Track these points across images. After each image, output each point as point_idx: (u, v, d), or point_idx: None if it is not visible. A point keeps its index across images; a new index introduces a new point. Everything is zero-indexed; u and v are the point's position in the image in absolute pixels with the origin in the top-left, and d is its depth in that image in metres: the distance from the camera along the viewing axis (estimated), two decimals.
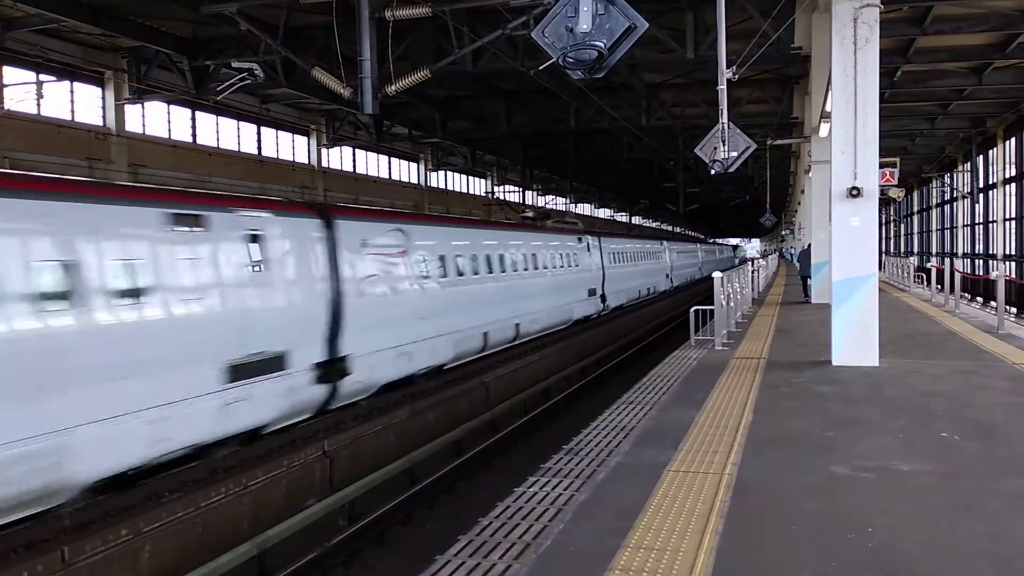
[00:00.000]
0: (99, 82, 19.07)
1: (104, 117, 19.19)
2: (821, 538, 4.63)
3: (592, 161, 36.84)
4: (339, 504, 10.75)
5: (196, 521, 9.09)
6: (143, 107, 20.24)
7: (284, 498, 10.48)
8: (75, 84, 18.54)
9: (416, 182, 34.60)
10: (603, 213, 61.96)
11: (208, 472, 9.95)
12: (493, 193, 41.14)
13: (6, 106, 16.23)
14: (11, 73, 16.90)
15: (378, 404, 13.77)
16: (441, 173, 36.62)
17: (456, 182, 39.05)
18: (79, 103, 18.69)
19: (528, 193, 43.44)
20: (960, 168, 34.33)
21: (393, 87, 12.87)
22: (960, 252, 34.54)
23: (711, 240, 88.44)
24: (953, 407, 7.93)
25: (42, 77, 17.14)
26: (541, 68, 7.81)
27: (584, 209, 57.21)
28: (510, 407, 16.98)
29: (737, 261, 70.27)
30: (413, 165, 34.49)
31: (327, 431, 12.06)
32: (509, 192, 42.45)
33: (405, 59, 15.61)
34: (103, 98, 19.17)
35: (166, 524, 8.71)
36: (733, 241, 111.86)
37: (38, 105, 16.91)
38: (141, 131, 20.33)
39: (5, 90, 16.41)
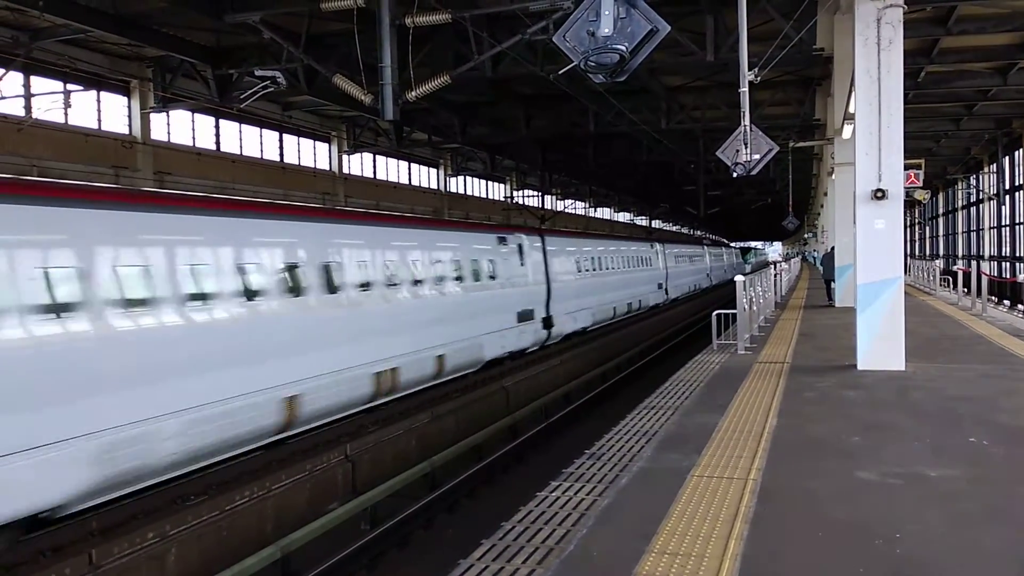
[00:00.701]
0: (125, 91, 19.30)
1: (130, 126, 19.41)
2: (848, 544, 4.59)
3: (611, 165, 36.77)
4: (361, 508, 10.79)
5: (221, 524, 9.15)
6: (168, 115, 20.45)
7: (307, 502, 10.53)
8: (102, 93, 18.77)
9: (436, 187, 34.70)
10: (623, 217, 61.81)
11: (233, 476, 10.02)
12: (512, 198, 41.18)
13: (34, 115, 16.46)
14: (39, 83, 17.14)
15: (399, 409, 13.80)
16: (460, 178, 36.70)
17: (475, 187, 39.13)
18: (105, 112, 18.92)
19: (547, 197, 43.43)
20: (986, 169, 33.94)
21: (413, 93, 12.92)
22: (987, 255, 34.14)
23: (702, 239, 60.96)
24: (981, 411, 7.82)
25: (69, 86, 17.37)
26: (561, 72, 7.82)
27: (604, 213, 57.11)
28: (531, 412, 16.97)
29: (749, 269, 58.14)
30: (433, 170, 34.60)
31: (349, 435, 12.11)
32: (528, 197, 42.46)
33: (425, 65, 15.65)
34: (129, 107, 19.40)
35: (191, 527, 8.78)
36: (753, 244, 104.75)
37: (65, 114, 17.12)
38: (166, 139, 20.55)
39: (33, 99, 16.64)
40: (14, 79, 16.48)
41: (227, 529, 9.23)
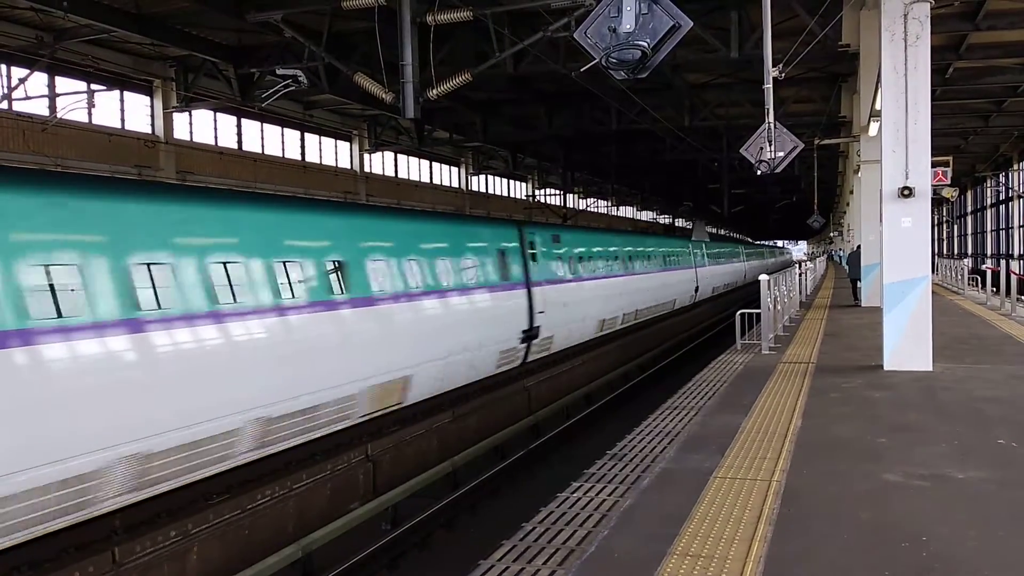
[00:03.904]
0: (148, 91, 19.45)
1: (153, 125, 19.56)
2: (874, 547, 4.50)
3: (634, 163, 36.62)
4: (382, 508, 10.79)
5: (242, 523, 9.18)
6: (190, 115, 20.59)
7: (328, 501, 10.54)
8: (125, 93, 18.93)
9: (457, 186, 34.72)
10: (646, 216, 61.57)
11: (255, 475, 10.04)
12: (534, 196, 41.10)
13: (59, 115, 16.62)
14: (63, 83, 17.31)
15: (421, 408, 13.79)
16: (482, 177, 36.69)
17: (497, 186, 39.10)
18: (129, 111, 19.07)
19: (569, 196, 43.32)
20: (1016, 167, 33.47)
21: (434, 91, 12.89)
22: (1016, 253, 33.63)
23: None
24: (1010, 413, 7.69)
25: (93, 86, 17.53)
26: (583, 70, 7.75)
27: (627, 212, 56.90)
28: (552, 412, 16.90)
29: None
30: (454, 169, 34.61)
31: (370, 435, 12.09)
32: (550, 195, 42.34)
33: (446, 63, 15.65)
34: (152, 106, 19.55)
35: (213, 526, 8.80)
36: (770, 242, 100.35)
37: (89, 114, 17.28)
38: (188, 138, 20.68)
39: (58, 99, 16.81)
40: (39, 79, 16.65)
41: (248, 528, 9.25)
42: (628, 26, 5.62)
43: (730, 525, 4.84)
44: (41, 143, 16.32)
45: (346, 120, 26.50)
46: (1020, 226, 33.51)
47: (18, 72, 16.09)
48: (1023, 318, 15.96)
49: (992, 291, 20.06)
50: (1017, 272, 22.09)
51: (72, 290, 7.24)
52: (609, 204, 51.53)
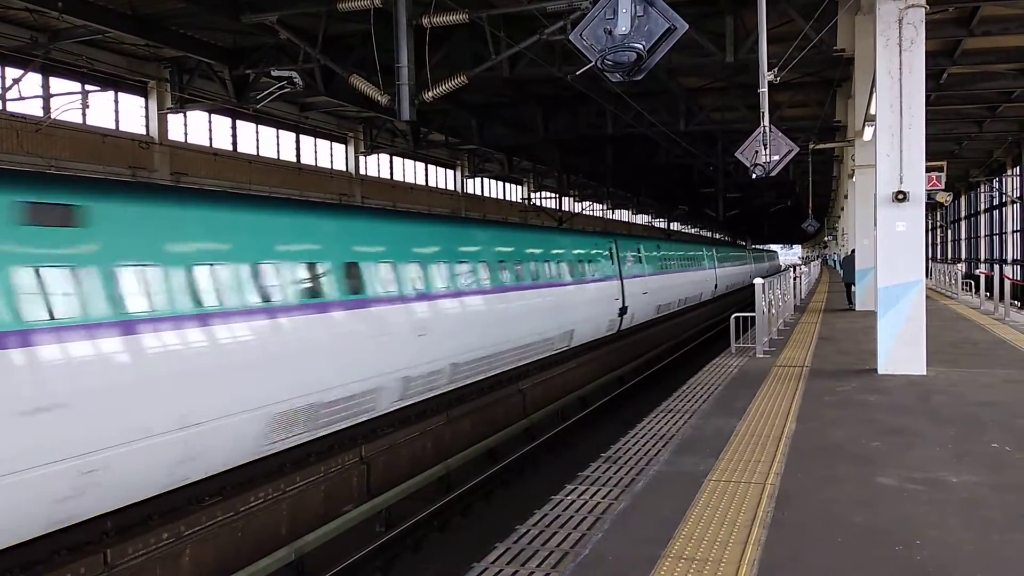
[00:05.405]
0: (142, 92, 19.40)
1: (147, 126, 19.51)
2: (867, 550, 4.50)
3: (630, 167, 36.64)
4: (376, 510, 10.76)
5: (235, 525, 9.15)
6: (185, 116, 20.54)
7: (322, 504, 10.51)
8: (119, 94, 18.88)
9: (453, 189, 34.71)
10: (641, 219, 61.64)
11: (248, 478, 10.01)
12: (530, 199, 41.12)
13: (53, 115, 16.57)
14: (57, 83, 17.26)
15: (415, 411, 13.77)
16: (477, 180, 36.68)
17: (492, 189, 39.10)
18: (123, 112, 19.03)
19: (565, 199, 43.34)
20: (1009, 172, 33.58)
21: (430, 94, 12.87)
22: (1010, 258, 33.74)
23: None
24: (1004, 417, 7.70)
25: (87, 87, 17.48)
26: (579, 73, 7.75)
27: (623, 215, 56.97)
28: (547, 415, 16.90)
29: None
30: (450, 172, 34.60)
31: (364, 437, 12.07)
32: (546, 198, 42.38)
33: (442, 66, 15.65)
34: (146, 107, 19.50)
35: (206, 528, 8.77)
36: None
37: (84, 115, 17.23)
38: (183, 140, 20.64)
39: (52, 100, 16.76)
40: (33, 80, 16.60)
41: (241, 530, 9.22)
42: (623, 28, 5.61)
43: (724, 528, 4.84)
44: (35, 144, 16.27)
45: (341, 122, 26.48)
46: (1014, 231, 33.62)
47: (12, 72, 16.04)
48: (1016, 323, 16.01)
49: (986, 295, 20.12)
50: (1010, 277, 22.15)
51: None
52: (605, 207, 51.56)
